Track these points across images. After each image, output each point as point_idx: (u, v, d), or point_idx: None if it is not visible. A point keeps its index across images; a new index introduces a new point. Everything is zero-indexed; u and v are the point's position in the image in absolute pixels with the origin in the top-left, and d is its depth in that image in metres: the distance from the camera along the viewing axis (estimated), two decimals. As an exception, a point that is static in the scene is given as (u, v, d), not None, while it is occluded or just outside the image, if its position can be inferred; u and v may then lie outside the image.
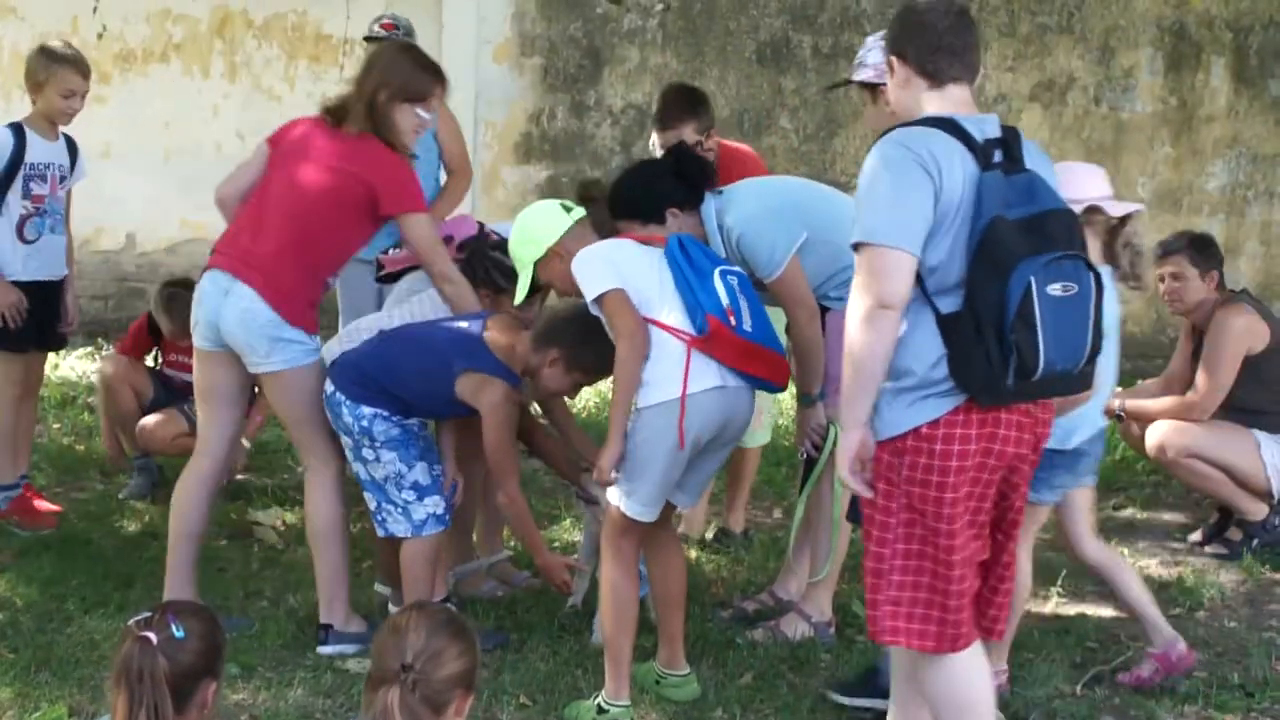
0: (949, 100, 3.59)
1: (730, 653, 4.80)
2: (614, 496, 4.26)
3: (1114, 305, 4.22)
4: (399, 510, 4.67)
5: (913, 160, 3.42)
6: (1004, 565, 3.66)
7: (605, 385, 5.02)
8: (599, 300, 4.25)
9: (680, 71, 9.58)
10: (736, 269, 4.42)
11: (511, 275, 4.74)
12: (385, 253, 5.43)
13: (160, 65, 9.97)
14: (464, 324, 4.70)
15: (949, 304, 3.44)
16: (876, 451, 3.50)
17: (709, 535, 6.05)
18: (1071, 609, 5.34)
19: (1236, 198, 9.54)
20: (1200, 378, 5.97)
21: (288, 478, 6.73)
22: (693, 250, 4.32)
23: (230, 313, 4.66)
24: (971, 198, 3.43)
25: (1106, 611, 5.21)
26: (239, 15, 9.91)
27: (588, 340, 4.40)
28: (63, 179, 5.97)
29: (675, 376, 4.15)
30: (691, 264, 4.26)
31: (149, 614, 2.96)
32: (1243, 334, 5.92)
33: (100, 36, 9.83)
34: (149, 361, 6.68)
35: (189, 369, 5.68)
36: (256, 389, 5.15)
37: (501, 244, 4.90)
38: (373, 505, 4.72)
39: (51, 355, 6.82)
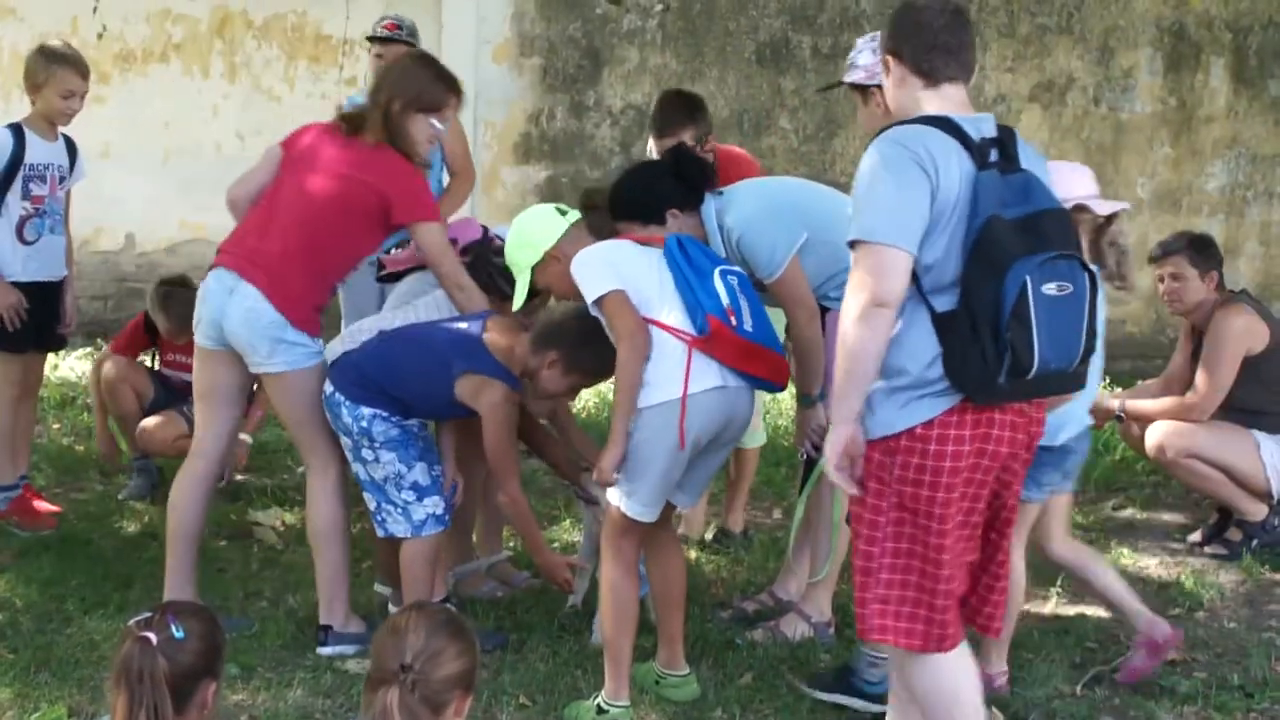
0: (945, 99, 3.60)
1: (730, 653, 4.80)
2: (614, 497, 4.26)
3: (1101, 306, 4.23)
4: (398, 511, 4.67)
5: (910, 158, 3.43)
6: (998, 564, 3.68)
7: (605, 386, 5.02)
8: (599, 302, 4.24)
9: (680, 72, 9.59)
10: (736, 269, 4.42)
11: (514, 280, 4.74)
12: (387, 253, 5.44)
13: (160, 65, 9.97)
14: (464, 325, 4.70)
15: (944, 302, 3.45)
16: (869, 450, 3.51)
17: (709, 535, 6.06)
18: (1071, 609, 5.35)
19: (1236, 198, 9.55)
20: (1200, 378, 5.97)
21: (287, 478, 6.73)
22: (692, 250, 4.32)
23: (234, 312, 4.66)
24: (968, 196, 3.43)
25: (1106, 612, 5.20)
26: (239, 15, 9.91)
27: (587, 342, 4.40)
28: (62, 179, 5.97)
29: (676, 377, 4.15)
30: (691, 264, 4.26)
31: (149, 614, 2.97)
32: (1242, 334, 5.92)
33: (100, 37, 9.84)
34: (145, 361, 6.68)
35: (187, 369, 5.68)
36: (256, 385, 5.15)
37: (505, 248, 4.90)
38: (372, 506, 4.72)
39: (51, 356, 6.82)
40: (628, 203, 4.67)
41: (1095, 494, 6.80)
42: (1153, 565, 5.93)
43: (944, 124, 3.49)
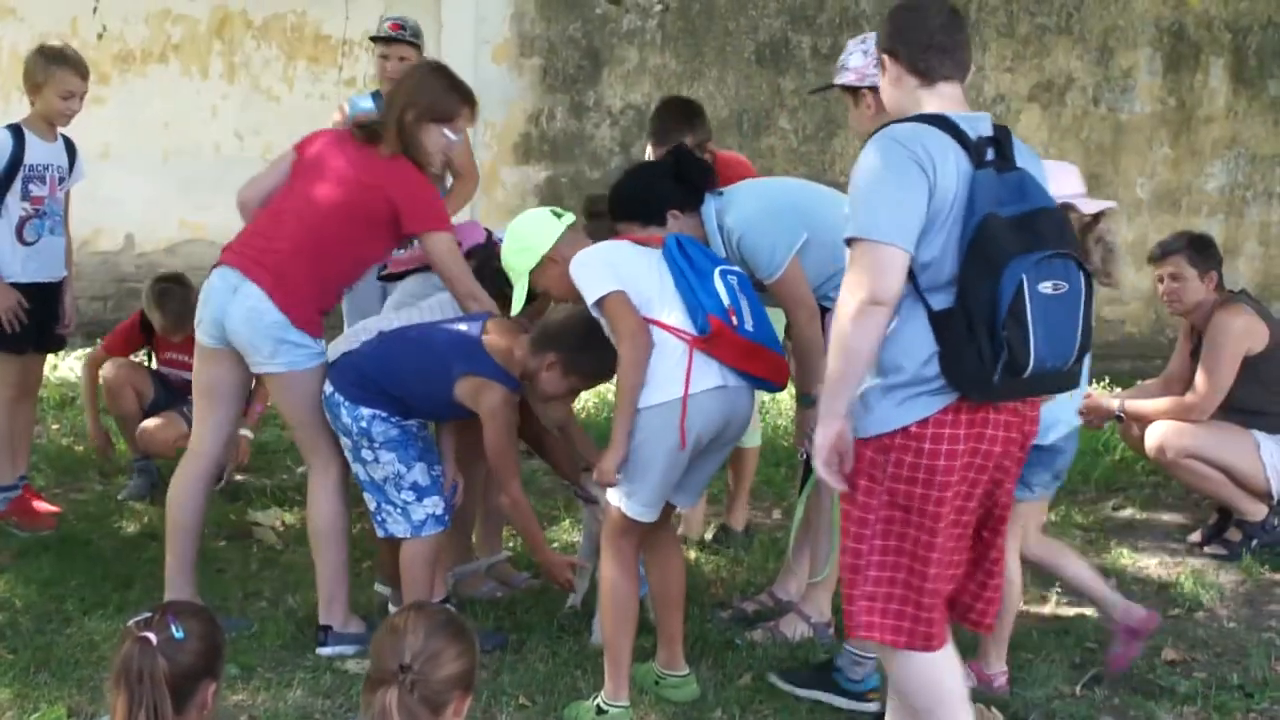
0: (941, 98, 3.60)
1: (729, 653, 4.80)
2: (614, 497, 4.26)
3: None
4: (398, 511, 4.67)
5: (907, 157, 3.43)
6: (992, 561, 3.69)
7: (605, 386, 5.02)
8: (600, 303, 4.24)
9: (679, 72, 9.60)
10: (736, 269, 4.42)
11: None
12: (392, 254, 5.44)
13: (159, 66, 9.97)
14: (463, 327, 4.69)
15: (941, 301, 3.45)
16: (861, 448, 3.51)
17: (708, 535, 6.06)
18: (1071, 610, 5.34)
19: (1235, 198, 9.55)
20: (1199, 378, 5.97)
21: (287, 478, 6.73)
22: (692, 250, 4.31)
23: (237, 310, 4.66)
24: (964, 195, 3.44)
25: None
26: (238, 16, 9.92)
27: (586, 345, 4.40)
28: (61, 180, 5.97)
29: (677, 377, 4.14)
30: (691, 264, 4.26)
31: (149, 615, 2.96)
32: (1242, 334, 5.92)
33: (100, 37, 9.84)
34: (142, 361, 6.67)
35: (186, 367, 5.68)
36: (255, 381, 5.15)
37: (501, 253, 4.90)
38: (372, 506, 4.72)
39: (50, 356, 6.81)
40: (628, 203, 4.67)
41: (1095, 494, 6.81)
42: (1153, 565, 5.93)
43: (941, 122, 3.50)
